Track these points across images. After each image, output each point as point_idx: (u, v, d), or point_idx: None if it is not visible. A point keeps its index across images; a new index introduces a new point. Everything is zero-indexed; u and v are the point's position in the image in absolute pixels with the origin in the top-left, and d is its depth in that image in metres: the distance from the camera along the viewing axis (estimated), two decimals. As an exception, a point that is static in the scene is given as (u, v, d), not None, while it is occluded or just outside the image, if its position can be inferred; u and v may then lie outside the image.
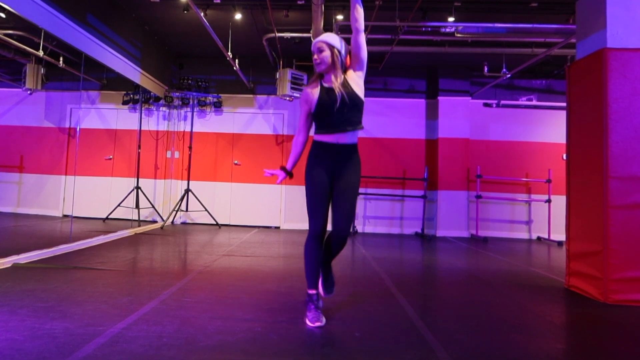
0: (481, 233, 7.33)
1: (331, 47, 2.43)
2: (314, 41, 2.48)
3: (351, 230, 7.08)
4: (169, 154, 7.78)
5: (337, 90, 2.35)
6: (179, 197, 7.46)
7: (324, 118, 2.39)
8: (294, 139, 2.56)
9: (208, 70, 7.75)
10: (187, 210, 7.29)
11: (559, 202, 6.95)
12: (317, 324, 2.35)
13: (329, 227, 2.46)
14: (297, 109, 7.65)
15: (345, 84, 2.39)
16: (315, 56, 2.44)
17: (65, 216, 7.42)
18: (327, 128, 2.39)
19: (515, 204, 7.58)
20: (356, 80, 2.43)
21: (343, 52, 2.45)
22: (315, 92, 2.43)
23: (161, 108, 7.75)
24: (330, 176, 2.43)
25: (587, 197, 3.44)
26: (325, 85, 2.42)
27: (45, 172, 7.69)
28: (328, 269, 2.63)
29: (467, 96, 7.57)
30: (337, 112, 2.36)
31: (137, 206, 6.99)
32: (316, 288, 2.47)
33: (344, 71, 2.44)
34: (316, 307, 2.42)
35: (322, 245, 2.46)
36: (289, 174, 2.53)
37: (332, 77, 2.40)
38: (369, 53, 6.61)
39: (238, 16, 5.59)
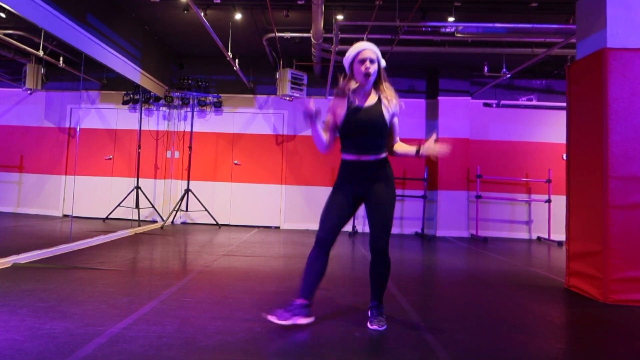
0: (481, 233, 7.33)
1: (379, 62, 2.34)
2: (361, 47, 2.33)
3: (352, 230, 7.08)
4: (169, 154, 7.78)
5: (368, 112, 2.28)
6: (179, 197, 7.46)
7: (349, 137, 2.32)
8: (326, 135, 2.39)
9: (208, 70, 7.75)
10: (187, 210, 7.29)
11: (559, 202, 6.94)
12: (273, 318, 2.27)
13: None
14: (297, 108, 7.67)
15: (378, 107, 2.30)
16: (368, 64, 2.29)
17: (65, 216, 7.42)
18: (351, 149, 2.32)
19: (515, 204, 7.58)
20: (391, 109, 2.33)
21: (383, 67, 2.38)
22: (342, 107, 2.33)
23: (161, 108, 7.75)
24: (357, 195, 2.34)
25: (587, 197, 3.44)
26: (356, 103, 2.32)
27: (45, 172, 7.69)
28: (378, 304, 2.43)
29: (467, 96, 7.57)
30: (367, 135, 2.28)
31: (137, 206, 6.99)
32: (307, 299, 2.35)
33: (384, 87, 2.35)
34: (288, 311, 2.30)
35: (325, 255, 2.35)
36: (314, 116, 2.23)
37: (368, 96, 2.33)
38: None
39: (238, 16, 5.58)
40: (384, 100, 2.33)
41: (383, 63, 2.37)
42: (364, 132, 2.28)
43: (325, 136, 2.39)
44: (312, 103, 2.24)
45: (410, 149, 2.39)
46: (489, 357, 2.06)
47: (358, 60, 2.32)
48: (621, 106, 3.24)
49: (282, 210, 7.58)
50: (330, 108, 2.40)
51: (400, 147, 2.44)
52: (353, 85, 2.33)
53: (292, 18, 5.69)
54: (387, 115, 2.31)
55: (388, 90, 2.36)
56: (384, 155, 2.35)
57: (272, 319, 2.28)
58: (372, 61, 2.30)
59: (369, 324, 2.36)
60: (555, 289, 3.60)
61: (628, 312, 2.94)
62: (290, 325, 2.28)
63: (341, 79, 2.42)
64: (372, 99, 2.34)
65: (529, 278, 4.04)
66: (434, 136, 2.32)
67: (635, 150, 3.20)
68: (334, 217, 2.32)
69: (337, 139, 2.42)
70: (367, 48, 2.32)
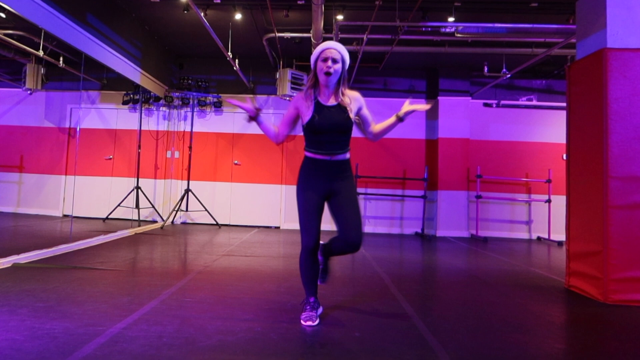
0: (481, 233, 7.33)
1: (343, 62, 2.34)
2: (326, 45, 2.33)
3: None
4: (169, 154, 7.78)
5: (333, 112, 2.32)
6: (179, 197, 7.46)
7: (316, 136, 2.35)
8: (275, 126, 2.50)
9: (208, 70, 7.76)
10: (187, 210, 7.29)
11: (559, 202, 6.95)
12: (309, 322, 2.37)
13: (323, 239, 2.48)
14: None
15: (342, 108, 2.33)
16: (330, 63, 2.29)
17: (65, 216, 7.42)
18: (317, 148, 2.35)
19: (515, 204, 7.58)
20: (354, 107, 2.38)
21: (346, 68, 2.38)
22: (309, 105, 2.36)
23: (161, 108, 7.75)
24: (324, 192, 2.38)
25: (587, 197, 3.44)
26: (322, 102, 2.35)
27: (45, 172, 7.69)
28: (327, 262, 2.63)
29: (467, 96, 7.57)
30: (332, 134, 2.33)
31: (137, 206, 6.99)
32: (315, 295, 2.48)
33: (343, 94, 2.37)
34: (311, 308, 2.43)
35: (315, 256, 2.42)
36: (255, 117, 2.41)
37: (332, 95, 2.36)
38: (369, 53, 6.65)
39: (238, 16, 5.58)
40: (344, 103, 2.35)
41: (348, 63, 2.37)
42: (328, 131, 2.32)
43: (276, 129, 2.48)
44: (251, 102, 2.40)
45: (390, 120, 2.45)
46: (489, 357, 2.06)
47: (321, 58, 2.32)
48: (621, 106, 3.24)
49: (282, 210, 7.58)
50: (293, 102, 2.43)
51: (378, 126, 2.50)
52: (317, 84, 2.37)
53: (292, 18, 5.69)
54: (350, 114, 2.35)
55: (346, 93, 2.38)
56: (349, 154, 2.42)
57: (308, 324, 2.37)
58: (334, 61, 2.30)
59: (304, 320, 2.40)
60: (555, 289, 3.60)
61: (628, 312, 2.94)
62: (310, 325, 2.38)
63: (306, 79, 2.48)
64: (335, 98, 2.37)
65: (529, 278, 4.04)
66: (408, 101, 2.46)
67: (635, 150, 3.19)
68: (313, 220, 2.36)
69: (290, 130, 2.49)
70: (331, 47, 2.32)
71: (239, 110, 7.77)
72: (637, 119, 3.22)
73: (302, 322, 2.39)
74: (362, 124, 2.50)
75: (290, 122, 2.45)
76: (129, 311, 2.49)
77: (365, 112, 2.47)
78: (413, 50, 6.31)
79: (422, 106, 2.41)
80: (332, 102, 2.36)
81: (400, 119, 2.43)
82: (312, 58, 2.38)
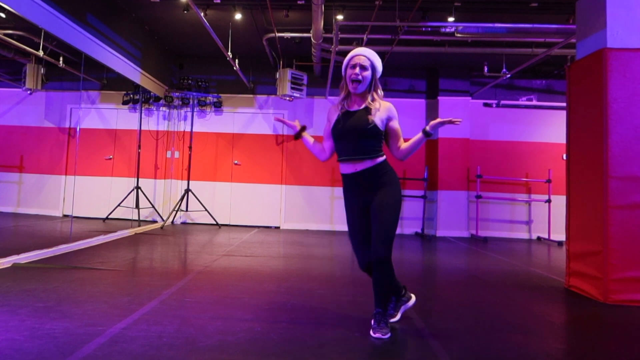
0: (481, 233, 7.33)
1: (374, 69, 2.29)
2: (355, 52, 2.29)
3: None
4: (169, 154, 7.78)
5: (357, 116, 2.26)
6: (179, 197, 7.46)
7: (338, 144, 2.32)
8: (320, 143, 2.46)
9: (208, 70, 7.75)
10: (187, 210, 7.29)
11: (559, 202, 6.94)
12: (378, 335, 2.20)
13: None
14: (297, 109, 7.68)
15: (367, 111, 2.26)
16: (357, 70, 2.24)
17: (65, 216, 7.42)
18: (340, 154, 2.32)
19: (515, 204, 7.58)
20: (382, 115, 2.29)
21: (378, 75, 2.32)
22: (335, 114, 2.34)
23: (161, 108, 7.75)
24: (362, 206, 2.31)
25: (587, 197, 3.44)
26: (347, 108, 2.31)
27: (45, 172, 7.69)
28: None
29: (467, 96, 7.57)
30: (354, 139, 2.25)
31: (137, 206, 6.99)
32: (381, 307, 2.27)
33: (373, 99, 2.30)
34: (378, 322, 2.25)
35: (370, 272, 2.35)
36: (298, 134, 2.43)
37: (361, 102, 2.30)
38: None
39: (238, 16, 5.58)
40: (371, 107, 2.29)
41: (379, 70, 2.33)
42: (349, 135, 2.25)
43: (320, 145, 2.45)
44: (298, 122, 2.42)
45: (417, 136, 2.35)
46: (489, 357, 2.06)
47: (350, 65, 2.29)
48: (621, 106, 3.23)
49: (282, 210, 7.57)
50: (327, 115, 2.42)
51: (405, 143, 2.40)
52: (345, 91, 2.34)
53: (292, 18, 5.69)
54: (376, 120, 2.26)
55: (377, 99, 2.32)
56: (379, 160, 2.29)
57: (377, 335, 2.20)
58: (363, 68, 2.26)
59: (372, 332, 2.25)
60: (555, 289, 3.60)
61: (628, 312, 2.94)
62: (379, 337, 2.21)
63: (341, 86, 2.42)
64: (361, 104, 2.32)
65: (529, 278, 4.04)
66: (437, 120, 2.34)
67: (635, 151, 3.19)
68: (361, 239, 2.31)
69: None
70: (360, 54, 2.28)
71: (239, 110, 7.77)
72: (637, 119, 3.22)
73: (372, 333, 2.24)
74: (391, 137, 2.36)
75: (329, 134, 2.39)
76: (129, 311, 2.49)
77: (395, 125, 2.36)
78: (413, 50, 6.30)
79: (453, 120, 2.26)
80: (357, 108, 2.31)
81: (427, 134, 2.32)
82: (343, 66, 2.34)
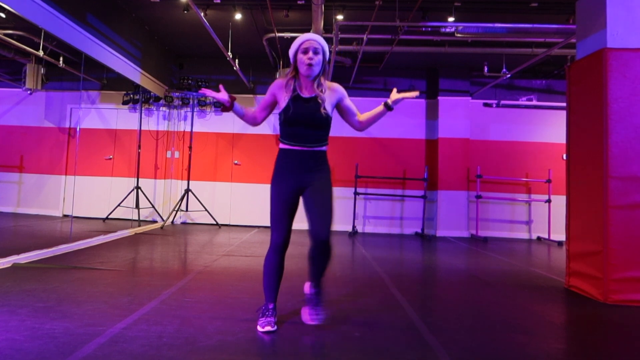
0: (481, 233, 7.33)
1: (324, 54, 2.29)
2: (305, 37, 2.29)
3: (352, 230, 7.08)
4: (169, 154, 7.78)
5: (310, 105, 2.26)
6: (179, 197, 7.46)
7: (290, 128, 2.28)
8: (253, 111, 2.44)
9: (208, 70, 7.75)
10: (187, 210, 7.29)
11: (559, 202, 6.95)
12: (267, 328, 2.23)
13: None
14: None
15: (319, 101, 2.27)
16: (311, 54, 2.23)
17: (65, 216, 7.42)
18: (292, 140, 2.29)
19: (515, 204, 7.58)
20: (332, 100, 2.33)
21: (327, 60, 2.35)
22: (286, 94, 2.29)
23: (161, 108, 7.75)
24: (298, 185, 2.30)
25: (587, 197, 3.44)
26: (301, 94, 2.28)
27: (45, 172, 7.69)
28: (318, 291, 2.44)
29: (467, 96, 7.57)
30: (306, 128, 2.26)
31: (137, 206, 6.99)
32: (274, 301, 2.34)
33: (320, 85, 2.30)
34: (271, 315, 2.30)
35: (283, 258, 2.36)
36: (228, 106, 2.33)
37: (312, 87, 2.28)
38: (369, 53, 6.65)
39: (238, 16, 5.58)
40: (320, 93, 2.28)
41: (327, 55, 2.32)
42: (304, 124, 2.26)
43: (253, 112, 2.43)
44: (225, 92, 2.30)
45: (377, 108, 2.39)
46: (489, 357, 2.06)
47: (302, 49, 2.27)
48: (621, 106, 3.24)
49: (282, 210, 7.56)
50: (271, 88, 2.36)
51: (365, 114, 2.44)
52: (297, 75, 2.31)
53: (292, 18, 5.69)
54: (328, 108, 2.29)
55: (323, 83, 2.32)
56: (325, 147, 2.34)
57: (266, 329, 2.23)
58: (315, 52, 2.24)
59: (308, 318, 2.33)
60: (555, 289, 3.60)
61: (628, 312, 2.94)
62: (268, 331, 2.24)
63: (287, 71, 2.38)
64: (313, 90, 2.30)
65: (529, 278, 4.04)
66: (395, 89, 2.41)
67: (635, 151, 3.19)
68: (284, 215, 2.28)
69: (265, 114, 2.44)
70: (311, 38, 2.27)
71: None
72: (637, 119, 3.22)
73: (260, 327, 2.25)
74: (346, 114, 2.42)
75: (266, 107, 2.40)
76: (129, 311, 2.49)
77: (348, 102, 2.41)
78: (413, 50, 6.30)
79: (410, 94, 2.35)
80: (309, 94, 2.29)
81: (388, 107, 2.37)
82: (291, 51, 2.33)
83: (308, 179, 2.30)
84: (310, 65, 2.23)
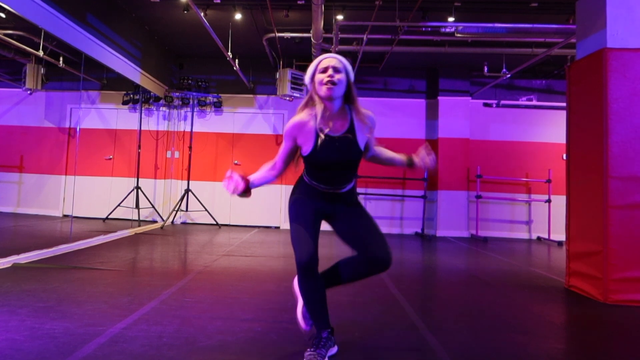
0: (481, 233, 7.33)
1: (347, 74, 1.89)
2: (323, 56, 1.91)
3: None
4: (169, 154, 7.78)
5: (344, 143, 1.88)
6: (179, 197, 7.46)
7: (320, 172, 1.94)
8: (268, 167, 2.07)
9: (208, 70, 7.75)
10: (187, 210, 7.29)
11: (559, 202, 6.95)
12: None
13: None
14: (297, 108, 7.67)
15: (350, 135, 1.89)
16: (331, 72, 1.83)
17: (65, 216, 7.42)
18: (319, 181, 1.96)
19: (515, 204, 7.58)
20: (365, 131, 1.94)
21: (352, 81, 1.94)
22: (308, 136, 1.88)
23: (161, 108, 7.75)
24: (324, 210, 2.00)
25: (587, 197, 3.44)
26: (325, 130, 1.87)
27: (45, 172, 7.69)
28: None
29: (467, 96, 7.57)
30: (338, 170, 1.92)
31: (137, 206, 6.99)
32: (328, 327, 1.92)
33: (358, 113, 1.92)
34: (321, 346, 1.87)
35: (317, 277, 1.93)
36: (246, 193, 2.01)
37: (339, 117, 1.91)
38: (369, 53, 6.65)
39: (238, 16, 5.58)
40: (358, 124, 1.92)
41: (352, 76, 1.92)
42: (336, 167, 1.91)
43: (270, 175, 2.07)
44: (233, 177, 1.97)
45: (400, 157, 2.11)
46: (489, 357, 2.06)
47: (319, 70, 1.88)
48: (621, 106, 3.23)
49: (282, 210, 7.57)
50: (288, 133, 1.94)
51: (384, 152, 2.15)
52: (317, 106, 1.88)
53: (292, 18, 5.69)
54: (361, 143, 1.92)
55: (361, 110, 1.93)
56: (354, 183, 2.04)
57: None
58: (336, 70, 1.85)
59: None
60: (555, 289, 3.60)
61: (628, 312, 2.94)
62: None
63: (302, 104, 1.99)
64: (342, 124, 1.91)
65: (529, 278, 4.04)
66: (423, 150, 2.08)
67: (635, 150, 3.19)
68: (309, 228, 1.92)
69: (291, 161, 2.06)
70: (330, 56, 1.90)
71: (239, 110, 7.77)
72: (637, 119, 3.22)
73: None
74: (366, 148, 2.04)
75: (287, 156, 2.00)
76: (129, 311, 2.49)
77: (372, 138, 2.06)
78: (413, 50, 6.30)
79: (433, 161, 2.07)
80: (339, 129, 1.90)
81: (409, 164, 2.10)
82: (308, 76, 1.94)
83: (337, 208, 2.01)
84: (331, 82, 1.82)
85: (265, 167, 2.08)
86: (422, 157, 2.05)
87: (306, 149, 1.91)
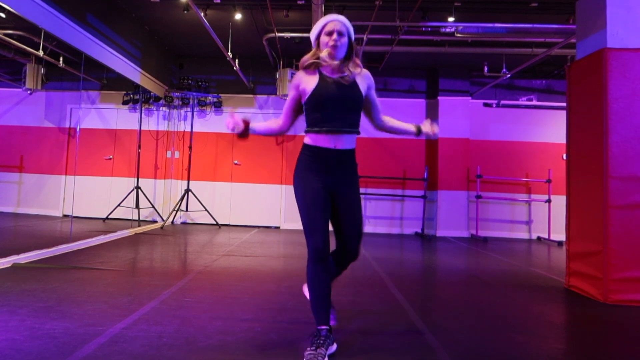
0: (481, 233, 7.33)
1: (350, 36, 2.08)
2: (329, 18, 2.05)
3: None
4: (169, 154, 7.78)
5: (341, 84, 2.03)
6: (179, 197, 7.46)
7: (319, 110, 2.02)
8: (275, 120, 2.20)
9: (208, 70, 7.76)
10: (187, 210, 7.29)
11: (559, 202, 6.95)
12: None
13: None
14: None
15: (351, 80, 2.05)
16: (335, 36, 2.01)
17: (65, 216, 7.42)
18: (321, 124, 2.01)
19: (515, 204, 7.58)
20: (362, 85, 2.10)
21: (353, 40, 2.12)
22: (311, 80, 2.05)
23: (161, 108, 7.75)
24: (327, 188, 2.04)
25: (587, 197, 3.44)
26: (327, 75, 2.06)
27: (45, 172, 7.69)
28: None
29: (467, 96, 7.57)
30: (337, 107, 2.01)
31: (137, 206, 6.99)
32: (327, 323, 1.95)
33: (356, 65, 2.10)
34: (320, 344, 1.88)
35: (327, 268, 1.98)
36: (245, 134, 2.14)
37: (341, 68, 2.06)
38: (369, 53, 6.65)
39: (238, 16, 5.59)
40: (357, 77, 2.09)
41: (353, 36, 2.10)
42: (335, 103, 2.01)
43: (278, 122, 2.19)
44: (234, 116, 2.10)
45: (407, 126, 2.26)
46: (489, 357, 2.06)
47: (325, 32, 2.05)
48: (621, 106, 3.24)
49: (282, 210, 7.57)
50: (294, 84, 2.10)
51: (391, 120, 2.28)
52: (323, 54, 2.04)
53: (292, 18, 5.69)
54: (361, 87, 2.07)
55: (360, 67, 2.12)
56: (355, 142, 2.12)
57: None
58: (340, 34, 2.03)
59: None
60: (555, 289, 3.60)
61: (628, 312, 2.94)
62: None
63: (305, 57, 2.13)
64: (339, 73, 2.08)
65: (529, 278, 4.04)
66: (428, 120, 2.28)
67: (635, 150, 3.19)
68: (319, 213, 1.98)
69: (298, 118, 2.21)
70: (335, 19, 2.05)
71: (239, 110, 7.76)
72: (637, 119, 3.22)
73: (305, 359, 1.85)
74: (371, 107, 2.20)
75: (292, 107, 2.14)
76: (129, 311, 2.49)
77: (374, 94, 2.20)
78: (413, 50, 6.30)
79: (434, 131, 2.25)
80: (339, 75, 2.07)
81: (417, 133, 2.25)
82: (313, 33, 2.10)
83: (337, 181, 2.06)
84: (335, 46, 2.01)
85: (270, 123, 2.24)
86: (428, 126, 2.26)
87: (308, 89, 2.05)
